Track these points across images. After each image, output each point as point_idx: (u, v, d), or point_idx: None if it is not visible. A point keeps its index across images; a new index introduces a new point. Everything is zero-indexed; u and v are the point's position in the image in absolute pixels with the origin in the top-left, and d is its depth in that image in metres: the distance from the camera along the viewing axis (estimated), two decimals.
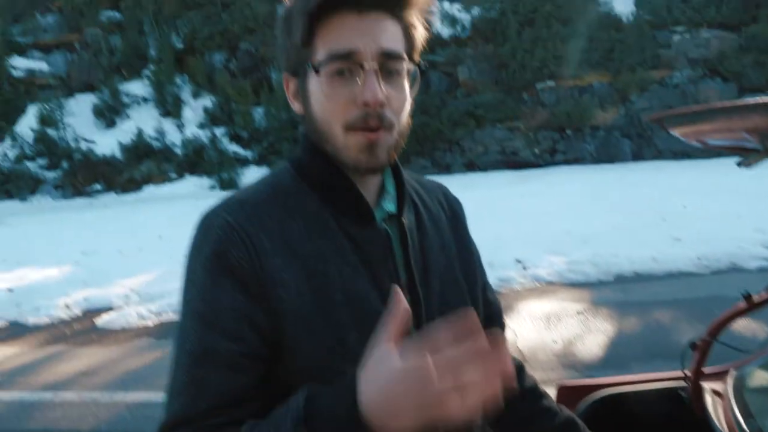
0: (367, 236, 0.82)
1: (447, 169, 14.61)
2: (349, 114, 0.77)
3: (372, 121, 0.76)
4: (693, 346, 1.40)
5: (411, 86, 0.82)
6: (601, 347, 3.91)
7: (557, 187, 10.37)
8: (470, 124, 14.89)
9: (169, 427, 0.75)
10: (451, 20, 15.34)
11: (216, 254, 0.78)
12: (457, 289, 0.90)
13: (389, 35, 0.77)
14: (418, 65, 0.82)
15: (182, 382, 0.76)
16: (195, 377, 0.75)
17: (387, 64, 0.76)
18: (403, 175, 0.89)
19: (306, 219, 0.81)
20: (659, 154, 14.04)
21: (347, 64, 0.76)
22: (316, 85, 0.79)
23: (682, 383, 1.43)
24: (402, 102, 0.79)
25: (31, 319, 5.55)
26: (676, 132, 1.09)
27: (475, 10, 15.71)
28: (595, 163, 14.04)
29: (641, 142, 14.31)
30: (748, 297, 1.33)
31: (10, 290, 6.56)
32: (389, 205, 0.86)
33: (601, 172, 12.24)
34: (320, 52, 0.77)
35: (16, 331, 5.33)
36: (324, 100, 0.78)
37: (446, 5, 15.35)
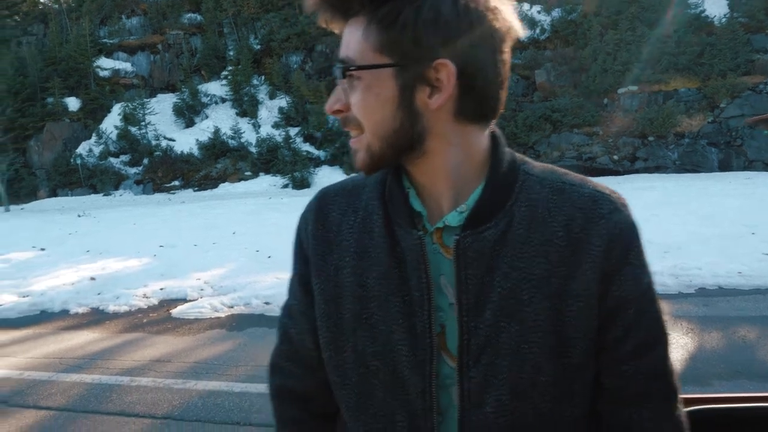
0: (405, 241, 0.79)
1: None
2: None
3: (343, 126, 0.80)
4: None
5: (400, 83, 0.74)
6: (681, 362, 3.69)
7: (637, 195, 9.96)
8: (546, 128, 14.56)
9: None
10: (530, 22, 15.05)
11: (297, 226, 0.93)
12: (521, 325, 0.76)
13: (347, 40, 0.75)
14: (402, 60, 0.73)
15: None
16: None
17: (347, 72, 0.75)
18: (493, 185, 0.78)
19: (363, 215, 0.84)
20: (749, 165, 13.29)
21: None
22: None
23: None
24: (361, 106, 0.75)
25: (111, 307, 5.76)
26: None
27: (556, 12, 15.35)
28: (678, 171, 13.44)
29: (730, 151, 13.59)
30: None
31: (93, 279, 6.86)
32: (450, 217, 0.78)
33: (684, 180, 11.68)
34: None
35: (97, 317, 5.55)
36: None
37: (525, 7, 15.07)
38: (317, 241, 0.86)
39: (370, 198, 0.84)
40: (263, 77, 20.61)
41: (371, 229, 0.82)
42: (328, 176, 16.20)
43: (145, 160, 20.14)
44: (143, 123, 20.68)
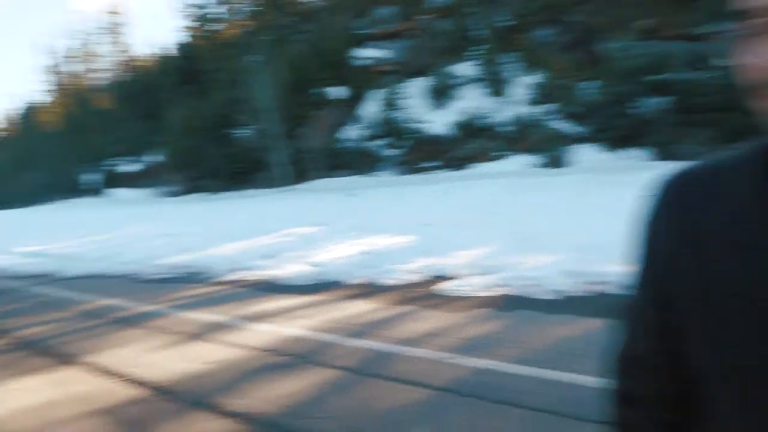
0: None
1: None
2: None
3: (756, 91, 0.57)
4: None
5: None
6: None
7: None
8: None
9: None
10: None
11: (642, 230, 0.68)
12: None
13: None
14: None
15: None
16: None
17: None
18: None
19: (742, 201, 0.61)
20: None
21: None
22: None
23: None
24: None
25: (383, 280, 6.22)
26: None
27: None
28: None
29: None
30: None
31: (365, 253, 7.47)
32: None
33: None
34: None
35: (371, 289, 6.04)
36: None
37: None
38: (691, 251, 0.62)
39: (753, 179, 0.61)
40: (514, 54, 20.32)
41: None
42: (586, 155, 15.49)
43: (402, 143, 21.32)
44: (400, 107, 21.87)
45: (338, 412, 3.29)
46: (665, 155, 13.45)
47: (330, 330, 4.79)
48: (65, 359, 4.81)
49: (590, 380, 3.18)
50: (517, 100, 19.03)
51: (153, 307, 6.30)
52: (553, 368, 3.54)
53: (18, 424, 3.59)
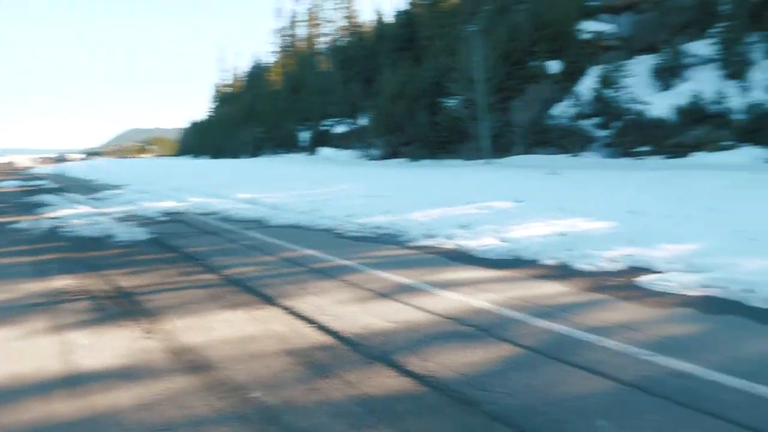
0: None
1: None
2: None
3: None
4: None
5: None
6: None
7: None
8: None
9: None
10: None
11: None
12: None
13: None
14: None
15: None
16: None
17: None
18: None
19: None
20: None
21: None
22: None
23: None
24: None
25: (578, 264, 5.97)
26: None
27: None
28: None
29: None
30: None
31: (563, 235, 7.22)
32: None
33: None
34: None
35: (564, 272, 5.84)
36: None
37: None
38: None
39: None
40: (761, 33, 17.96)
41: None
42: None
43: (616, 123, 20.04)
44: (619, 86, 20.52)
45: (519, 390, 3.27)
46: None
47: (517, 307, 4.73)
48: (266, 299, 5.34)
49: None
50: (757, 86, 16.87)
51: (348, 262, 6.71)
52: (766, 383, 3.17)
53: (220, 352, 4.07)
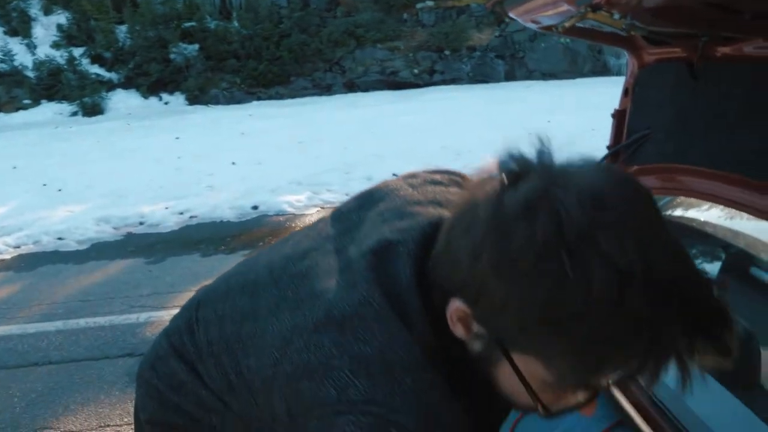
0: None
1: (328, 90, 14.39)
2: None
3: None
4: None
5: None
6: None
7: (434, 105, 10.54)
8: (350, 43, 14.62)
9: None
10: None
11: None
12: None
13: None
14: None
15: None
16: None
17: None
18: None
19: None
20: (530, 75, 14.58)
21: None
22: None
23: None
24: None
25: None
26: (513, 14, 1.08)
27: None
28: (471, 83, 14.36)
29: (513, 63, 14.77)
30: None
31: None
32: None
33: (475, 91, 12.55)
34: None
35: None
36: None
37: None
38: None
39: None
40: None
41: None
42: (123, 101, 14.97)
43: None
44: None
45: None
46: (197, 100, 14.21)
47: None
48: None
49: None
50: (42, 42, 17.08)
51: None
52: (83, 315, 3.45)
53: None
